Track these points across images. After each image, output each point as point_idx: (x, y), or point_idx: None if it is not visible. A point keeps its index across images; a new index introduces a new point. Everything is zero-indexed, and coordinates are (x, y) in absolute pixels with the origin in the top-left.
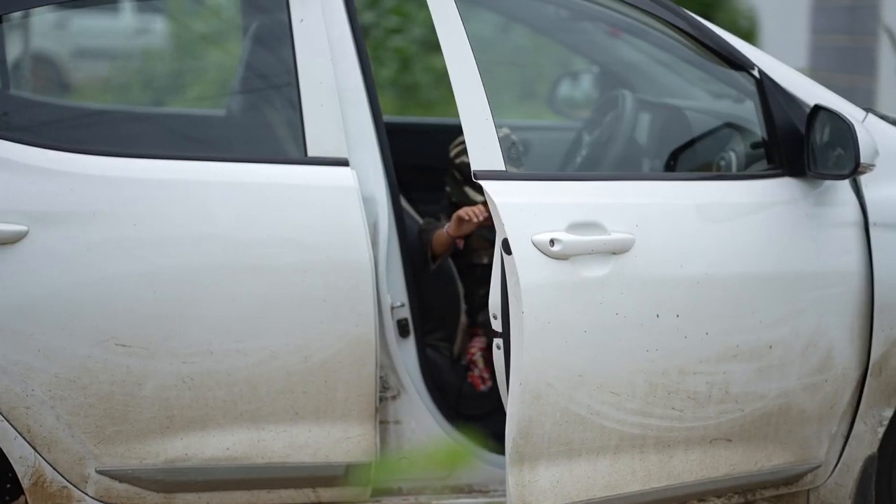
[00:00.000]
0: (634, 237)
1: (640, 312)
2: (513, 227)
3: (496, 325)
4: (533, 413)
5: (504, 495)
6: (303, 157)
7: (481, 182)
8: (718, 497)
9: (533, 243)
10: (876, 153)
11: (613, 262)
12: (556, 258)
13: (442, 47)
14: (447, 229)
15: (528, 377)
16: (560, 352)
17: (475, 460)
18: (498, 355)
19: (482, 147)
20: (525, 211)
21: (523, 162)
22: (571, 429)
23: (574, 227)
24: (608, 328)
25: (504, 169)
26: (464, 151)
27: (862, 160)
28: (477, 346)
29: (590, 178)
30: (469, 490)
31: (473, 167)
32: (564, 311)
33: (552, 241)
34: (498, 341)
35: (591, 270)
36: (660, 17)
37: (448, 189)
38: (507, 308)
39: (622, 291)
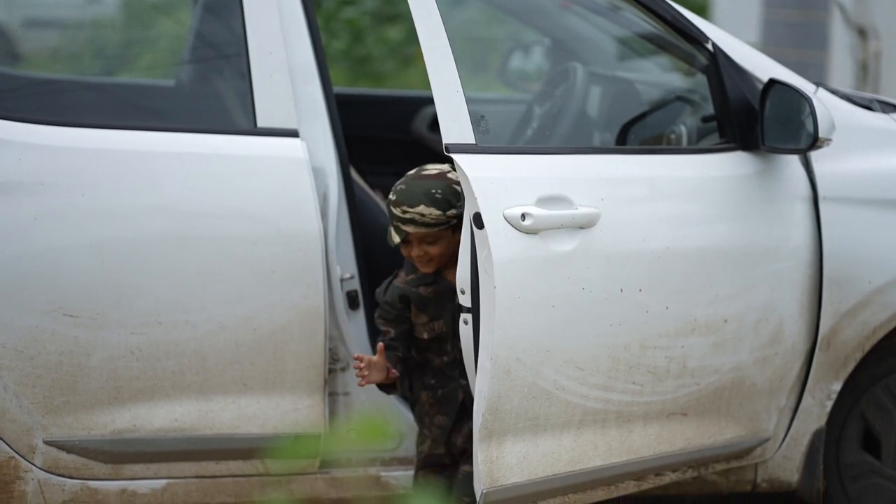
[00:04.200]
0: (600, 211)
1: (605, 287)
2: (485, 202)
3: (464, 301)
4: (502, 389)
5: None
6: (252, 128)
7: (453, 156)
8: (674, 471)
9: (505, 217)
10: (833, 127)
11: (580, 236)
12: (527, 232)
13: (414, 20)
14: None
15: (499, 353)
16: (529, 326)
17: None
18: (465, 330)
19: (453, 120)
20: (496, 185)
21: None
22: (538, 404)
23: (543, 202)
24: (575, 303)
25: (475, 142)
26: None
27: (820, 134)
28: None
29: (558, 152)
30: None
31: (445, 140)
32: (534, 285)
33: (523, 216)
34: (465, 316)
35: (560, 245)
36: None
37: None
38: (476, 283)
39: (588, 266)
